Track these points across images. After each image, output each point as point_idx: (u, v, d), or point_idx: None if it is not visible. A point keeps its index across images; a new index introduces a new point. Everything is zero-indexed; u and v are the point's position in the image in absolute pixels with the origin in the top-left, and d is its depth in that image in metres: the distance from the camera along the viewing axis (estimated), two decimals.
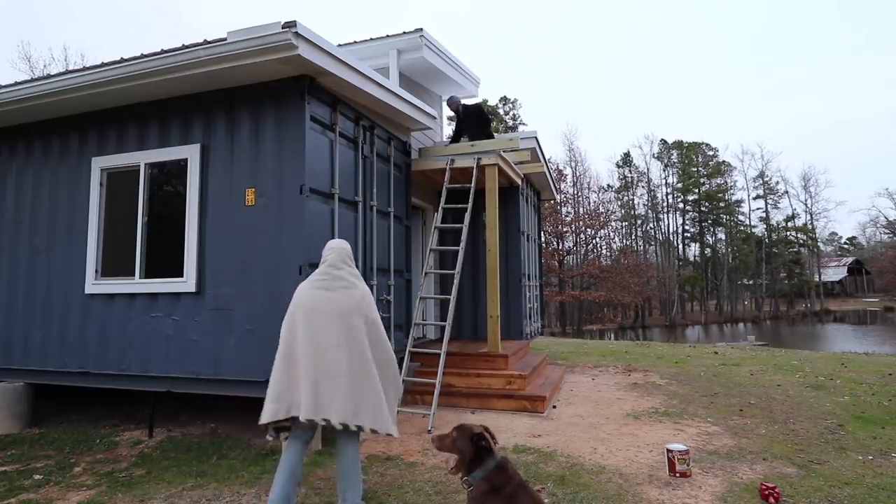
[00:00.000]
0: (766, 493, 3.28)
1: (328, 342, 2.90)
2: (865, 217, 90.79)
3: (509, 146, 6.94)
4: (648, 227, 52.03)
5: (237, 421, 5.19)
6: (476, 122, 7.45)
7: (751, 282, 54.07)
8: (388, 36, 7.59)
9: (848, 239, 72.34)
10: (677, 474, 3.67)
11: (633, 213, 50.63)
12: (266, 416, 2.90)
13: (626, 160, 53.54)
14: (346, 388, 2.85)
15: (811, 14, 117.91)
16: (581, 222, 34.96)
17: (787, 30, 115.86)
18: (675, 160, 54.87)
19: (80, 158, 5.39)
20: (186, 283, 4.74)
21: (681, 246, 54.60)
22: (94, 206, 5.24)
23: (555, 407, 5.80)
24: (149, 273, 4.99)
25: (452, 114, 7.89)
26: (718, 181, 54.86)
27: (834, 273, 63.80)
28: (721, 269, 51.97)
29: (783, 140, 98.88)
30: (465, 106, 7.61)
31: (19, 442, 4.87)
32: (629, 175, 53.02)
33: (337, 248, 3.18)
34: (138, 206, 5.06)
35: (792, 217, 54.64)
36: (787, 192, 55.40)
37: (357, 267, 5.20)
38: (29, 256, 5.51)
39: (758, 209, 55.62)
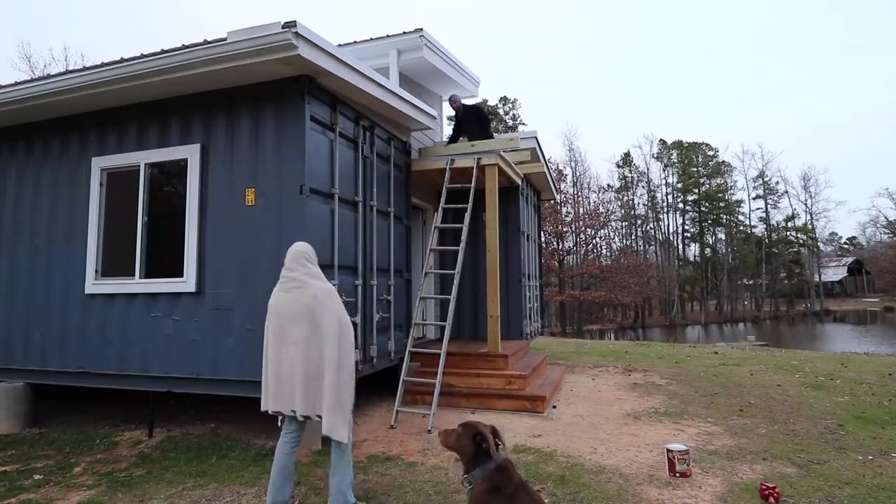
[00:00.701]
0: (766, 493, 3.28)
1: (285, 340, 3.11)
2: (865, 217, 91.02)
3: (509, 146, 6.93)
4: (648, 227, 52.03)
5: (237, 421, 5.19)
6: (476, 122, 7.45)
7: (751, 282, 54.05)
8: (388, 36, 7.58)
9: (848, 239, 72.45)
10: (677, 474, 3.68)
11: (633, 213, 50.60)
12: (261, 406, 3.23)
13: (626, 160, 53.51)
14: (301, 383, 3.02)
15: (811, 14, 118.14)
16: (581, 222, 34.94)
17: (787, 30, 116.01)
18: (675, 160, 54.85)
19: (80, 158, 5.39)
20: (186, 283, 4.74)
21: (681, 246, 54.58)
22: (94, 206, 5.25)
23: (555, 407, 5.80)
24: (149, 273, 4.99)
25: (452, 113, 7.89)
26: (718, 181, 54.87)
27: (834, 273, 63.78)
28: (721, 269, 51.94)
29: (783, 140, 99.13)
30: (465, 106, 7.61)
31: (19, 442, 4.87)
32: (629, 175, 52.97)
33: (292, 251, 3.28)
34: (138, 206, 5.06)
35: (792, 217, 54.63)
36: (787, 192, 55.51)
37: (357, 267, 5.29)
38: (29, 256, 5.51)
39: (758, 209, 55.72)
